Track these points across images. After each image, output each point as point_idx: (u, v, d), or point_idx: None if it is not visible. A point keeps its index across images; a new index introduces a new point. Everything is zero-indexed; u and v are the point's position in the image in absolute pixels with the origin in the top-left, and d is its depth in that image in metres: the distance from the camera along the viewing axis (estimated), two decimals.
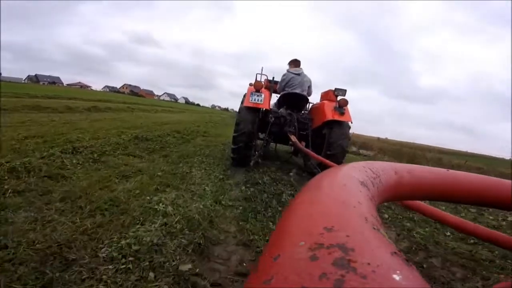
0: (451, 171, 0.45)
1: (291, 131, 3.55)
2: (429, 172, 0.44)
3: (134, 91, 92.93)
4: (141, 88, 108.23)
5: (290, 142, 3.61)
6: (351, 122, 3.49)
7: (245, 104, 3.30)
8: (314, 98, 4.50)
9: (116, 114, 8.87)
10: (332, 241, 0.16)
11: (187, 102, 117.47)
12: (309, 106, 4.36)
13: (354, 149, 11.02)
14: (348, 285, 0.13)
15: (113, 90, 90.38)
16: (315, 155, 2.53)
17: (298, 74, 3.83)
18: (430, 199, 0.46)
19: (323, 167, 2.47)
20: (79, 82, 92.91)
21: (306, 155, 3.17)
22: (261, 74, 4.33)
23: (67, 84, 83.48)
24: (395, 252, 0.16)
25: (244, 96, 3.60)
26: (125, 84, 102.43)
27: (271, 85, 4.10)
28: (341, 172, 0.30)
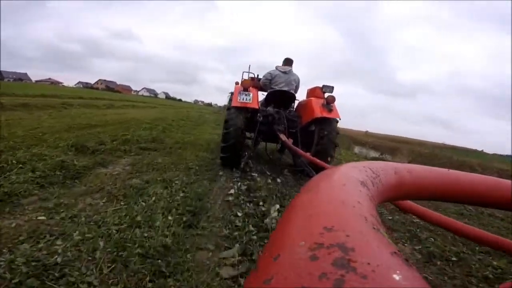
0: (451, 171, 0.45)
1: (280, 129, 3.51)
2: (430, 172, 0.44)
3: (109, 87, 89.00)
4: (118, 83, 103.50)
5: (280, 142, 3.54)
6: (339, 119, 3.52)
7: (233, 104, 3.25)
8: (300, 95, 4.42)
9: (26, 114, 6.02)
10: (332, 241, 0.16)
11: (168, 97, 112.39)
12: (295, 103, 4.32)
13: (374, 154, 9.13)
14: (348, 285, 0.13)
15: (87, 86, 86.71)
16: (305, 154, 2.52)
17: (285, 72, 3.81)
18: (431, 199, 0.46)
19: (316, 166, 2.46)
20: (49, 79, 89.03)
21: (296, 154, 3.19)
22: (249, 72, 4.21)
23: (36, 81, 79.05)
24: (395, 252, 0.16)
25: (231, 94, 3.53)
26: (99, 80, 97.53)
27: (257, 83, 4.02)
28: (341, 172, 0.30)
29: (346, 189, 0.25)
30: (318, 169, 3.24)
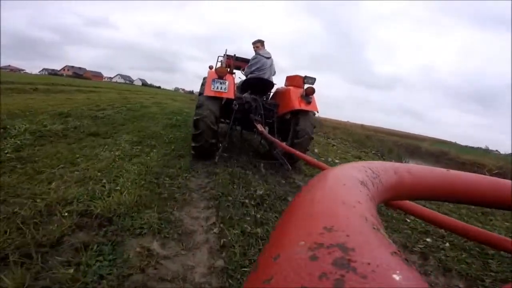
0: (451, 171, 0.45)
1: (257, 119, 3.34)
2: (430, 172, 0.44)
3: (77, 73, 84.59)
4: (87, 70, 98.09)
5: (256, 131, 3.40)
6: (317, 112, 3.45)
7: (206, 93, 2.96)
8: (278, 81, 4.14)
9: None
10: (332, 240, 0.16)
11: (145, 84, 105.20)
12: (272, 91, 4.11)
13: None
14: (348, 285, 0.12)
15: (52, 72, 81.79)
16: (283, 144, 2.43)
17: (269, 58, 3.65)
18: (430, 199, 0.46)
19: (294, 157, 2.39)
20: (9, 65, 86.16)
21: (272, 143, 3.05)
22: (225, 55, 3.99)
23: None
24: (395, 252, 0.16)
25: (205, 79, 3.28)
26: (66, 66, 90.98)
27: (234, 64, 3.80)
28: (341, 172, 0.30)
29: (346, 189, 0.25)
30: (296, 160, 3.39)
